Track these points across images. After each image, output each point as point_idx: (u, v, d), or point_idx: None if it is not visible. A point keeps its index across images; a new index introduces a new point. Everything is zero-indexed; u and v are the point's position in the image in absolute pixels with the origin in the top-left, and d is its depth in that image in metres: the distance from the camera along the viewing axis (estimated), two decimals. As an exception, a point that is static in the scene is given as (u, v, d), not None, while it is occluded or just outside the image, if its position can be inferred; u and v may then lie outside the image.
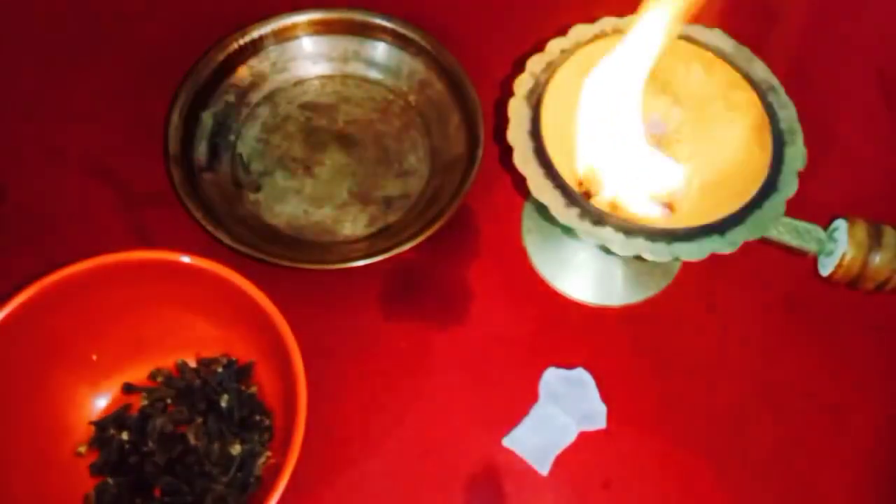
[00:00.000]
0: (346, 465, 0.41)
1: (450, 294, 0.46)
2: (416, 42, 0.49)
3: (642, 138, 0.39)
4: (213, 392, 0.40)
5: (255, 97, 0.50)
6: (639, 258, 0.36)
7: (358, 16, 0.50)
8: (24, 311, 0.36)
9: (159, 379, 0.41)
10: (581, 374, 0.43)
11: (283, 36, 0.50)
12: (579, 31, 0.41)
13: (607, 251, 0.36)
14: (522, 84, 0.40)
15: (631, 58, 0.37)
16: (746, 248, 0.36)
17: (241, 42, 0.49)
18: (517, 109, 0.39)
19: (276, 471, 0.34)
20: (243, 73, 0.50)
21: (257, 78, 0.50)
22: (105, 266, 0.37)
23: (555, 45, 0.41)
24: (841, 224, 0.38)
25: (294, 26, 0.50)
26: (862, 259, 0.37)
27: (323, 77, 0.52)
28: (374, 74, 0.52)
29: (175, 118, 0.46)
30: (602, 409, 0.43)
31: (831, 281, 0.38)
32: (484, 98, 0.47)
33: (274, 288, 0.38)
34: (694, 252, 0.36)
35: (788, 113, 0.39)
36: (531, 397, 0.43)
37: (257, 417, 0.40)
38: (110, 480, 0.38)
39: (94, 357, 0.40)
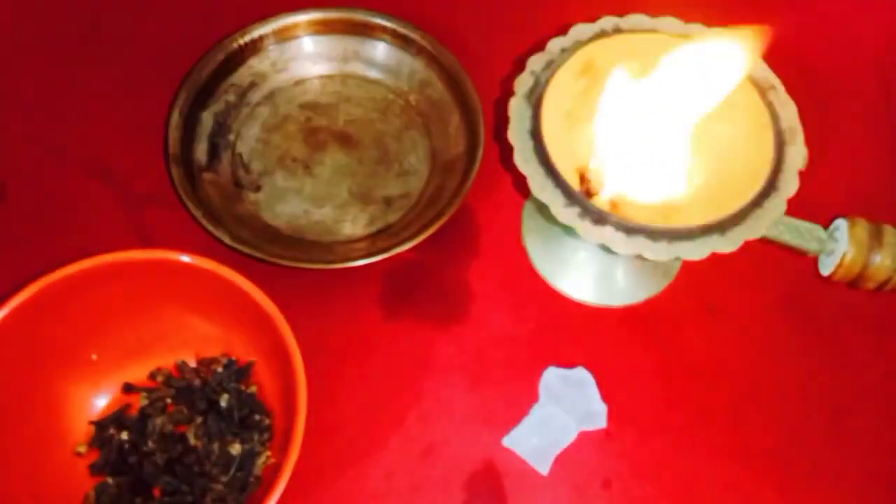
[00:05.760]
0: (346, 465, 0.41)
1: (450, 294, 0.46)
2: (416, 42, 0.49)
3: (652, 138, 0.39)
4: (213, 392, 0.40)
5: (255, 97, 0.50)
6: (639, 258, 0.36)
7: (358, 16, 0.50)
8: (24, 311, 0.36)
9: (159, 379, 0.41)
10: (581, 374, 0.43)
11: (283, 36, 0.50)
12: (579, 31, 0.41)
13: (608, 251, 0.36)
14: (522, 83, 0.39)
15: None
16: (746, 248, 0.36)
17: (241, 42, 0.49)
18: (517, 109, 0.39)
19: (275, 471, 0.34)
20: (243, 73, 0.50)
21: (257, 78, 0.50)
22: (105, 266, 0.37)
23: (555, 45, 0.40)
24: (841, 224, 0.38)
25: (294, 26, 0.50)
26: (863, 259, 0.36)
27: (323, 77, 0.52)
28: (374, 74, 0.52)
29: (175, 118, 0.46)
30: (602, 409, 0.43)
31: (832, 281, 0.38)
32: (484, 98, 0.47)
33: (274, 288, 0.38)
34: (694, 252, 0.36)
35: (789, 112, 0.39)
36: (531, 397, 0.43)
37: (257, 417, 0.40)
38: (110, 480, 0.38)
39: (94, 357, 0.40)
